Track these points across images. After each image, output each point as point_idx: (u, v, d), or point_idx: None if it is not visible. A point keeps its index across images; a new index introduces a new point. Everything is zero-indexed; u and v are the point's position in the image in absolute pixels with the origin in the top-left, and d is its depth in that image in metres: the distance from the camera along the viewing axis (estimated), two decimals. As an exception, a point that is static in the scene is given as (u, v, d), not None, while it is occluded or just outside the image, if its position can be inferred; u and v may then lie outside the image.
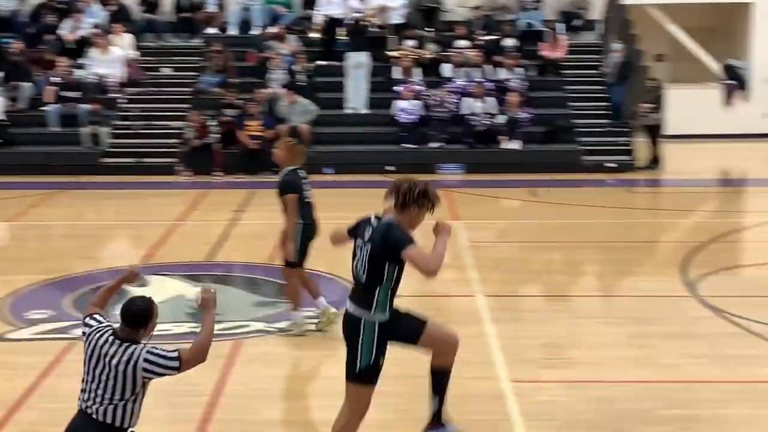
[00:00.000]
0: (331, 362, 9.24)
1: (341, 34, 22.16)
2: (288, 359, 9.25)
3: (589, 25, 23.93)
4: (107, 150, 20.21)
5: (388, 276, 6.33)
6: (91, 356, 5.43)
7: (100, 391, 5.36)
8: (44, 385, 8.37)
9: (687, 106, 23.37)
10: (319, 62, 21.95)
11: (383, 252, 6.26)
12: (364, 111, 21.35)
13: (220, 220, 15.41)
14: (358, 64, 21.27)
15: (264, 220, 15.67)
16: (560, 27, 22.85)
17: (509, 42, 22.23)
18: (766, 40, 24.21)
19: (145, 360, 5.33)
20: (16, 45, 21.51)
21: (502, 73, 21.49)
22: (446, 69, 21.59)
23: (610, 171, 19.77)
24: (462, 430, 6.87)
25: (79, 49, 21.88)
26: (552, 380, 8.40)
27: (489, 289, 11.19)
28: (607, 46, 22.36)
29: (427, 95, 20.64)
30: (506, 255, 12.95)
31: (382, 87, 21.31)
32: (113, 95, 21.16)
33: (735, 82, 24.83)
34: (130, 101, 21.26)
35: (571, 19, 23.60)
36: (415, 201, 6.34)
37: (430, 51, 21.98)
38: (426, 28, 22.66)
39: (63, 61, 21.16)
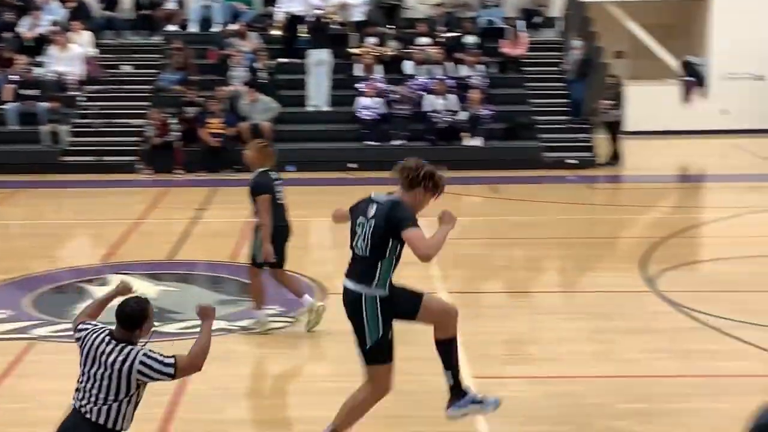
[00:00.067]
0: (293, 360, 9.25)
1: (302, 32, 22.13)
2: (250, 358, 9.23)
3: (549, 23, 24.06)
4: (67, 148, 20.05)
5: (391, 251, 6.36)
6: (86, 356, 5.42)
7: (94, 391, 5.35)
8: (4, 386, 8.30)
9: (646, 102, 23.58)
10: (280, 60, 21.91)
11: (387, 228, 6.30)
12: (325, 108, 21.33)
13: (182, 218, 15.34)
14: (319, 61, 21.25)
15: (226, 218, 15.65)
16: (521, 24, 22.95)
17: (470, 39, 22.31)
18: (723, 36, 24.44)
19: (141, 363, 5.32)
20: (-27, 42, 21.33)
21: (464, 70, 21.56)
22: (408, 66, 21.63)
23: (571, 167, 19.90)
24: (487, 396, 6.83)
25: (37, 46, 21.68)
26: (514, 376, 8.45)
27: (451, 286, 11.22)
28: (567, 44, 22.49)
29: (389, 92, 20.67)
30: (468, 252, 13.00)
31: (343, 84, 21.30)
32: (73, 93, 20.99)
33: (693, 78, 25.05)
34: (90, 99, 21.11)
35: (532, 17, 23.73)
36: (420, 182, 6.39)
37: (391, 48, 22.01)
38: (387, 26, 22.68)
39: (21, 59, 20.95)
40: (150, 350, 5.40)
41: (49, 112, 20.09)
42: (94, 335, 5.47)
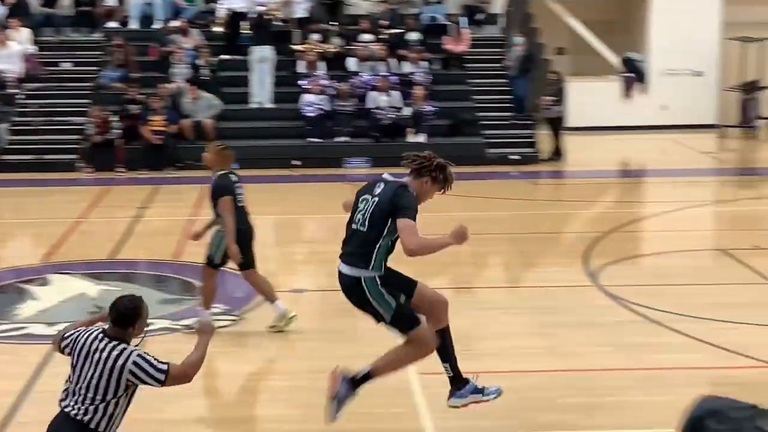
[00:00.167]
0: (236, 359, 9.20)
1: (245, 28, 22.01)
2: (194, 356, 9.15)
3: (491, 19, 24.16)
4: (6, 147, 19.77)
5: (389, 232, 6.37)
6: (78, 356, 5.36)
7: (83, 391, 5.29)
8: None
9: (587, 98, 23.80)
10: (222, 56, 21.77)
11: (389, 208, 6.32)
12: (269, 105, 21.25)
13: (123, 217, 15.19)
14: (262, 58, 21.15)
15: (168, 216, 15.54)
16: (463, 21, 23.02)
17: (413, 36, 22.35)
18: (663, 33, 24.73)
19: (134, 363, 5.27)
20: None
21: (407, 67, 21.59)
22: (351, 63, 21.61)
23: (514, 163, 20.02)
24: (488, 386, 6.88)
25: (-26, 44, 21.36)
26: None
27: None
28: (509, 40, 22.61)
29: (333, 89, 20.64)
30: (412, 248, 13.00)
31: (286, 81, 21.22)
32: (11, 91, 20.69)
33: (633, 74, 25.32)
34: (29, 97, 20.79)
35: (474, 13, 23.81)
36: (430, 172, 6.41)
37: (334, 45, 21.97)
38: (330, 22, 22.64)
39: (-42, 56, 20.65)
40: (146, 353, 5.36)
41: (-13, 110, 19.81)
42: (86, 334, 5.42)
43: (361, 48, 21.75)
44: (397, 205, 6.31)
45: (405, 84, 20.96)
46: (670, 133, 23.94)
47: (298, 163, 19.70)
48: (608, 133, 24.04)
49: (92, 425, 5.27)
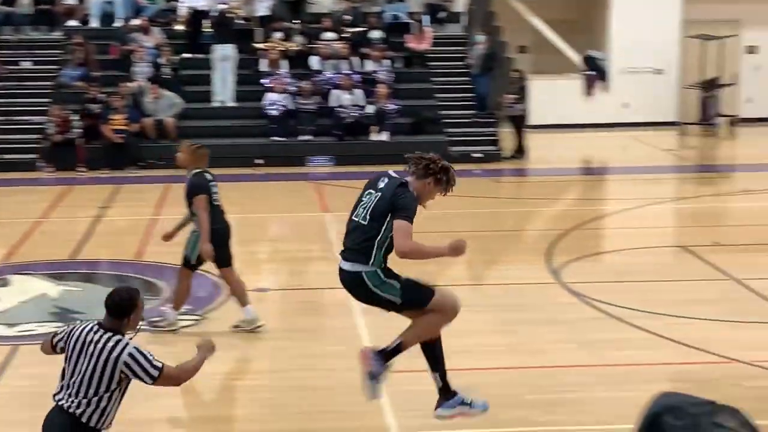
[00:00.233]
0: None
1: (206, 27, 21.91)
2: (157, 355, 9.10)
3: (453, 17, 24.22)
4: (-35, 146, 19.60)
5: (388, 228, 6.35)
6: (73, 349, 5.33)
7: (76, 384, 5.27)
8: None
9: (549, 96, 23.93)
10: (184, 55, 21.67)
11: (389, 204, 6.32)
12: (231, 104, 21.17)
13: (85, 216, 15.09)
14: (224, 56, 21.07)
15: (129, 216, 15.45)
16: (426, 19, 23.06)
17: (376, 34, 22.35)
18: (624, 31, 24.89)
19: (130, 355, 5.25)
20: None
21: (370, 65, 21.60)
22: (314, 61, 21.58)
23: (477, 161, 20.07)
24: (476, 399, 6.85)
25: (-68, 42, 21.14)
26: (422, 369, 8.43)
27: (359, 281, 11.21)
28: (471, 38, 22.67)
29: (296, 87, 20.60)
30: (376, 246, 13.01)
31: (249, 80, 21.16)
32: (-30, 90, 20.51)
33: (595, 72, 25.48)
34: (-12, 96, 20.63)
35: (436, 12, 23.85)
36: (435, 173, 6.39)
37: (297, 43, 21.93)
38: (292, 20, 22.59)
39: None
40: (142, 347, 5.34)
41: (-55, 110, 19.59)
42: (81, 327, 5.41)
43: (323, 46, 21.72)
44: (395, 205, 6.32)
45: (368, 82, 20.96)
46: (631, 131, 24.12)
47: (261, 161, 19.65)
48: (570, 131, 24.17)
49: (84, 419, 5.26)
